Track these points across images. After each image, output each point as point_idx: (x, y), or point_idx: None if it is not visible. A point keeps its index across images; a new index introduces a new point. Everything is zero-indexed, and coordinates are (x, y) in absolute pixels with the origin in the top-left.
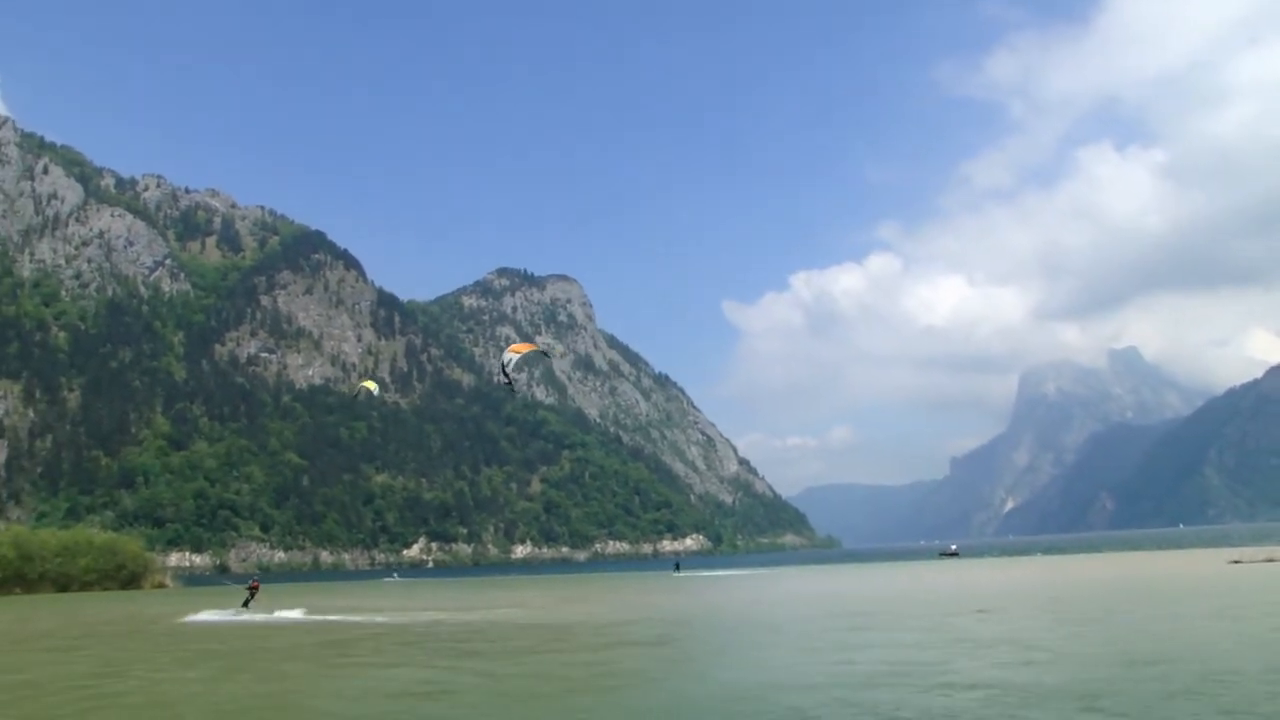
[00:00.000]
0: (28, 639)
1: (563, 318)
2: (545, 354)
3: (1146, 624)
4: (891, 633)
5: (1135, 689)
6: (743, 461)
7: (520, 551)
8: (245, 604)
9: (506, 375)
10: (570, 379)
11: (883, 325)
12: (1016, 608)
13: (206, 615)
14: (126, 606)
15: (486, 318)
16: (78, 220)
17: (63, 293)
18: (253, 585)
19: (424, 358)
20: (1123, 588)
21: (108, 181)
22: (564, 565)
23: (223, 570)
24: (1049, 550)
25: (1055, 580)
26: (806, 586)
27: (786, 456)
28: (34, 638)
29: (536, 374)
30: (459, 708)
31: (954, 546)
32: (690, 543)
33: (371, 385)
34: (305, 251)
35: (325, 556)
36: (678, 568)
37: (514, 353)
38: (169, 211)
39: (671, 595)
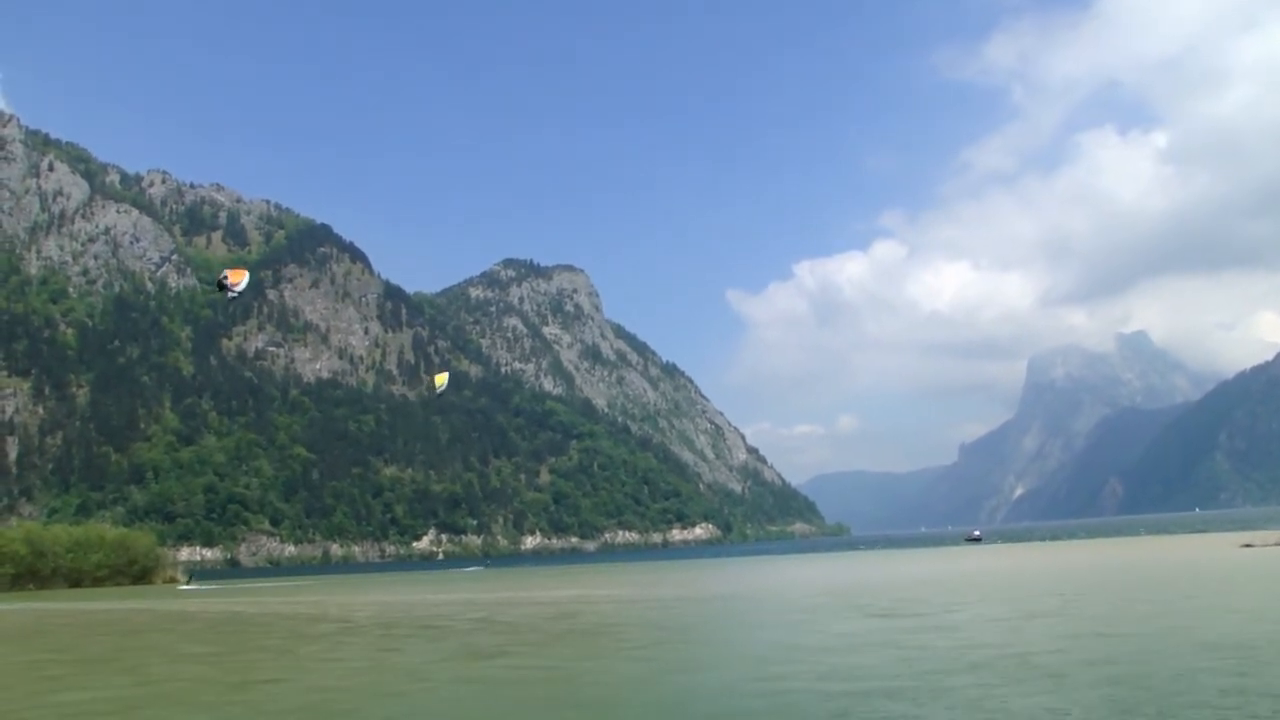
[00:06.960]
0: None
1: (569, 308)
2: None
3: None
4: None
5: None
6: (751, 450)
7: (530, 542)
8: None
9: (222, 286)
10: (578, 369)
11: (888, 313)
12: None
13: None
14: None
15: (493, 309)
16: (84, 217)
17: (70, 289)
18: None
19: (431, 349)
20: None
21: (113, 178)
22: (574, 556)
23: (234, 564)
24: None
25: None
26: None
27: (794, 445)
28: None
29: (544, 364)
30: None
31: (977, 532)
32: (700, 531)
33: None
34: (311, 245)
35: (335, 549)
36: (190, 579)
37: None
38: (174, 207)
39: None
